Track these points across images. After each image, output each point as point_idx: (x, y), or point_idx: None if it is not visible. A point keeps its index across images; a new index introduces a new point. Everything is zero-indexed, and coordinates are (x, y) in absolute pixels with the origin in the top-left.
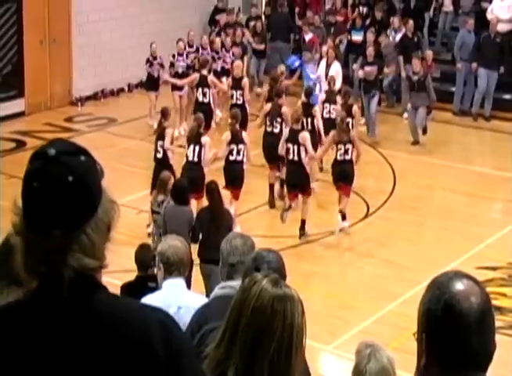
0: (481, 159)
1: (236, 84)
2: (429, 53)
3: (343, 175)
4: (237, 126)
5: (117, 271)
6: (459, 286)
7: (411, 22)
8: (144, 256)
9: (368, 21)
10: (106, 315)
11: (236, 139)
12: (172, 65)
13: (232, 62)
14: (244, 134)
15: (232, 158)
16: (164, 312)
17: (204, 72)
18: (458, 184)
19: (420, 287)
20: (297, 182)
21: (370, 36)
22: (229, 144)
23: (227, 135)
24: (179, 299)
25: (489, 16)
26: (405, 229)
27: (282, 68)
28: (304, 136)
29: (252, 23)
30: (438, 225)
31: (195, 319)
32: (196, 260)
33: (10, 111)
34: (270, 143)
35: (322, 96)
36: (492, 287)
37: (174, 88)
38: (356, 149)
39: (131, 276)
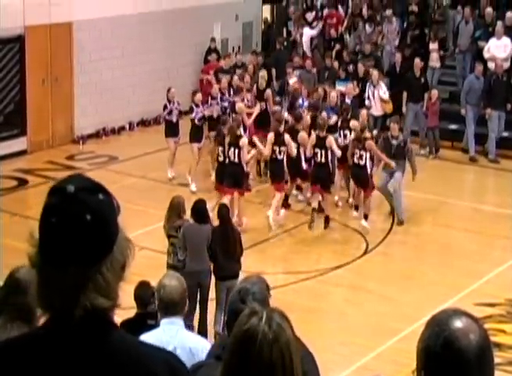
0: (481, 196)
1: (260, 96)
2: (434, 92)
3: (357, 180)
4: (281, 128)
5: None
6: (458, 323)
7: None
8: (143, 293)
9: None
10: (116, 354)
11: (278, 140)
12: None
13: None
14: (287, 136)
15: (273, 157)
16: (170, 352)
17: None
18: (458, 221)
19: (420, 324)
20: (322, 180)
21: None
22: (273, 145)
23: (271, 137)
24: (176, 339)
25: (486, 55)
26: (404, 266)
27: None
28: (330, 140)
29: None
30: (437, 262)
31: None
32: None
33: (12, 150)
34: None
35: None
36: (491, 323)
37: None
38: (375, 155)
39: (131, 313)
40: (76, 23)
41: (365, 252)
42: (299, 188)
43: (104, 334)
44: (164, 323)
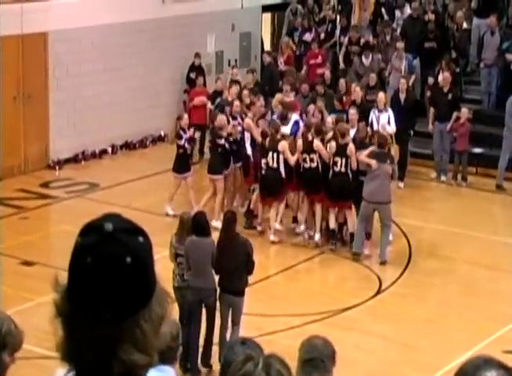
0: (505, 228)
1: None
2: (464, 111)
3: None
4: (309, 136)
5: None
6: (491, 375)
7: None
8: None
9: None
10: None
11: (308, 148)
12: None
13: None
14: (316, 142)
15: (306, 166)
16: None
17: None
18: (480, 256)
19: (439, 374)
20: (343, 193)
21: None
22: (302, 153)
23: (299, 145)
24: None
25: None
26: (421, 308)
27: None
28: (352, 149)
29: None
30: (458, 303)
31: None
32: None
33: None
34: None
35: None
36: None
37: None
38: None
39: None
40: (52, 33)
41: (378, 292)
42: (296, 220)
43: None
44: (152, 372)
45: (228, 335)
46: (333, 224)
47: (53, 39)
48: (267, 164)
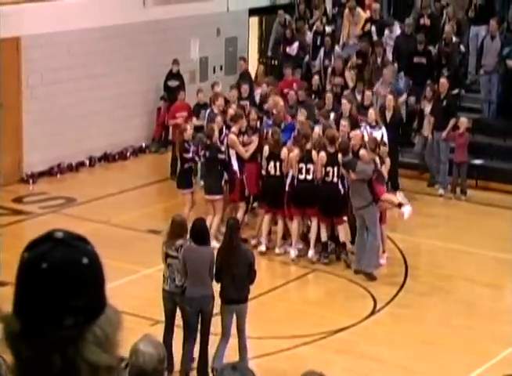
0: (506, 244)
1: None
2: (463, 121)
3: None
4: (308, 146)
5: None
6: None
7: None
8: None
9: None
10: None
11: (306, 157)
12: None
13: None
14: (314, 152)
15: (301, 177)
16: None
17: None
18: (481, 274)
19: None
20: (335, 205)
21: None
22: (299, 162)
23: (296, 154)
24: None
25: None
26: (419, 329)
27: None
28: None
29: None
30: (458, 324)
31: None
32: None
33: None
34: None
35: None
36: None
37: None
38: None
39: None
40: (25, 38)
41: (373, 312)
42: (285, 237)
43: None
44: None
45: (225, 345)
46: (324, 237)
47: (27, 44)
48: (268, 172)
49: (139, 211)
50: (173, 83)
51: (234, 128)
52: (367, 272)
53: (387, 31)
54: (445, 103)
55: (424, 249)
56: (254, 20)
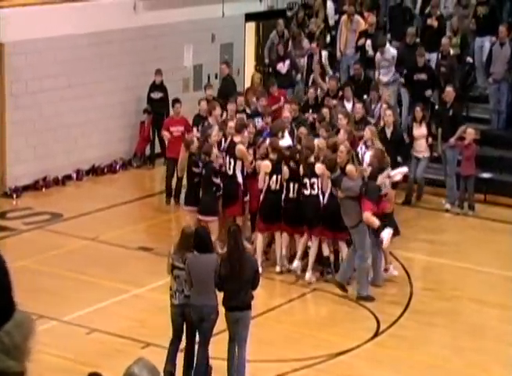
0: None
1: None
2: (470, 132)
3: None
4: (312, 159)
5: None
6: None
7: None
8: None
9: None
10: None
11: (309, 171)
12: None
13: None
14: (318, 165)
15: (306, 193)
16: None
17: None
18: (489, 294)
19: None
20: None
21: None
22: (303, 177)
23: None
24: None
25: None
26: (424, 351)
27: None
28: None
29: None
30: (465, 346)
31: None
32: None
33: None
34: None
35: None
36: None
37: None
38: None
39: None
40: (9, 44)
41: (376, 334)
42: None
43: None
44: None
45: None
46: (326, 251)
47: (10, 51)
48: (269, 187)
49: (129, 227)
50: (156, 95)
51: (240, 138)
52: (362, 296)
53: (378, 54)
54: (451, 112)
55: (430, 267)
56: (251, 26)
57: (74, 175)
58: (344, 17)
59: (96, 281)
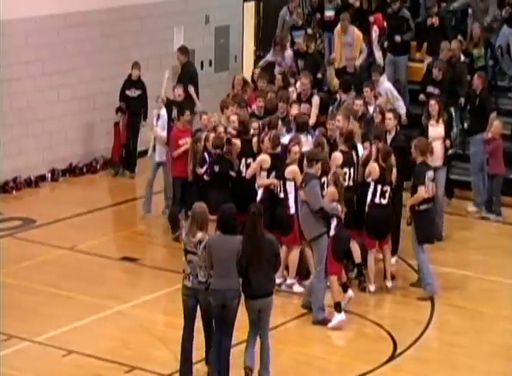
0: None
1: None
2: (496, 124)
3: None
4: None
5: None
6: None
7: None
8: None
9: None
10: None
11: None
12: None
13: None
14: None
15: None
16: None
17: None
18: None
19: None
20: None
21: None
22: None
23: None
24: None
25: None
26: (445, 375)
27: None
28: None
29: None
30: (491, 370)
31: None
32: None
33: None
34: None
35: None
36: None
37: None
38: None
39: None
40: None
41: (393, 356)
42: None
43: None
44: None
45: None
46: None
47: None
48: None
49: (111, 234)
50: (133, 92)
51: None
52: (318, 320)
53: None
54: (477, 101)
55: (453, 280)
56: (250, 6)
57: (49, 176)
58: (338, 27)
59: (74, 296)
